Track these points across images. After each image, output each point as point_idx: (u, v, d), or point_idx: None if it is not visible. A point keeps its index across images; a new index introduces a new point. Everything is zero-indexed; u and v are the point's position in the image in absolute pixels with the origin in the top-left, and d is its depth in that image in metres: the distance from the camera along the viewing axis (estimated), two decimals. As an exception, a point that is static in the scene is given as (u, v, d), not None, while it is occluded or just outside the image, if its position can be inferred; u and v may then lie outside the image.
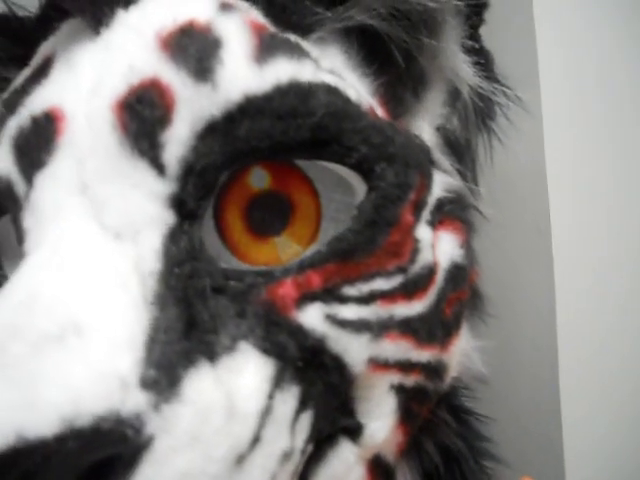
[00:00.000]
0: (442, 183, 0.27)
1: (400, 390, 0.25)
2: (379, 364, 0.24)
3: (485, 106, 0.30)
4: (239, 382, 0.20)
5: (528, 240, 0.98)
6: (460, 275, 0.27)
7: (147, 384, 0.17)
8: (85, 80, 0.23)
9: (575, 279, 0.79)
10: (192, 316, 0.20)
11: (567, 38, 0.89)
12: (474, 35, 0.30)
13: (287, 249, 0.24)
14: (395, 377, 0.25)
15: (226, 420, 0.19)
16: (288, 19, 0.25)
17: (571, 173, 0.82)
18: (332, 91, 0.24)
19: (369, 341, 0.23)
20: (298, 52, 0.24)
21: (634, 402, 0.82)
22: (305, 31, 0.25)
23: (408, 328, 0.24)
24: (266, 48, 0.23)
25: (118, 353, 0.17)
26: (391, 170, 0.23)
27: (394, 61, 0.27)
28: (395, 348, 0.24)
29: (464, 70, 0.29)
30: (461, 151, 0.30)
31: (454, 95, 0.30)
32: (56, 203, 0.22)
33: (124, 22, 0.24)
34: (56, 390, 0.16)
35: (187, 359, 0.19)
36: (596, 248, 0.81)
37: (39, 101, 0.24)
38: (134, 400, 0.17)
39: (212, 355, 0.19)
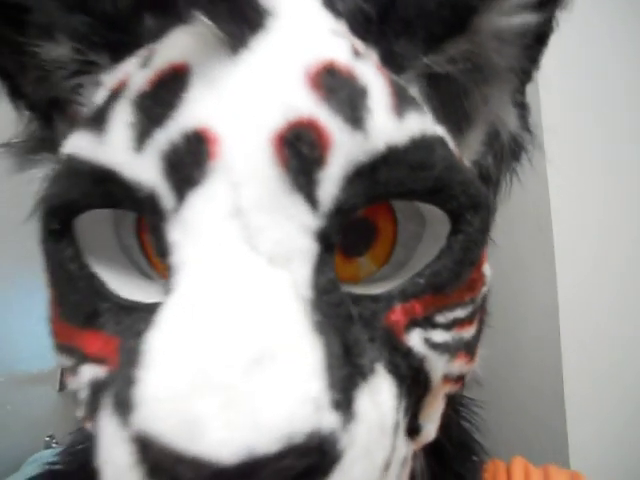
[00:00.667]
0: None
1: (447, 398, 0.29)
2: (448, 379, 0.27)
3: (518, 151, 0.34)
4: (381, 399, 0.23)
5: (530, 237, 1.00)
6: (486, 297, 0.30)
7: (334, 406, 0.20)
8: (232, 104, 0.23)
9: (576, 269, 0.82)
10: (344, 341, 0.22)
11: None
12: (522, 90, 0.33)
13: (365, 268, 0.27)
14: (450, 388, 0.28)
15: (381, 433, 0.22)
16: (397, 62, 0.27)
17: (571, 170, 0.84)
18: (444, 144, 0.26)
19: (447, 361, 0.26)
20: (418, 104, 0.26)
21: (636, 390, 0.84)
22: (399, 71, 0.27)
23: (468, 348, 0.28)
24: (400, 99, 0.25)
25: (310, 378, 0.20)
26: (477, 217, 0.26)
27: (448, 101, 0.30)
28: (460, 365, 0.27)
29: (510, 119, 0.32)
30: (490, 185, 0.34)
31: (493, 136, 0.33)
32: (210, 223, 0.22)
33: (266, 48, 0.24)
34: (275, 412, 0.19)
35: (352, 382, 0.21)
36: (595, 239, 0.84)
37: (187, 118, 0.23)
38: (328, 420, 0.20)
39: (364, 377, 0.22)
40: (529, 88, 0.36)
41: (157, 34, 0.26)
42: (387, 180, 0.24)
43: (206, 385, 0.19)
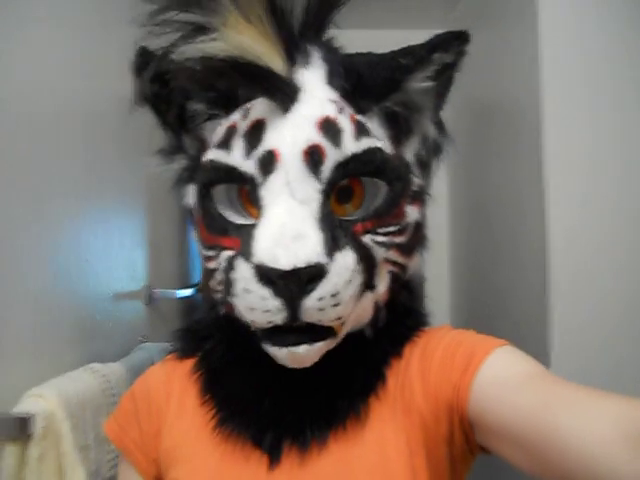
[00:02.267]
0: (415, 182, 0.58)
1: (390, 273, 0.57)
2: (388, 261, 0.56)
3: (438, 148, 0.62)
4: (347, 258, 0.51)
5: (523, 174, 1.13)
6: (418, 227, 0.59)
7: (326, 254, 0.49)
8: (285, 136, 0.52)
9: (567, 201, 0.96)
10: (332, 235, 0.50)
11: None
12: (437, 114, 0.61)
13: (349, 209, 0.55)
14: (390, 267, 0.57)
15: (345, 270, 0.51)
16: (362, 109, 0.56)
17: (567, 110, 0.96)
18: (381, 150, 0.55)
19: (385, 251, 0.55)
20: (366, 130, 0.54)
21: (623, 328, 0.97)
22: (364, 112, 0.56)
23: (399, 247, 0.57)
24: (359, 131, 0.54)
25: (316, 244, 0.49)
26: (399, 183, 0.55)
27: (398, 123, 0.58)
28: (393, 255, 0.56)
29: (430, 131, 0.61)
30: (426, 167, 0.61)
31: (424, 140, 0.61)
32: (277, 187, 0.52)
33: (298, 110, 0.53)
34: (303, 255, 0.48)
35: (334, 249, 0.50)
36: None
37: (268, 143, 0.52)
38: (323, 259, 0.49)
39: (340, 249, 0.51)
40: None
41: (246, 99, 0.55)
42: (352, 168, 0.53)
43: (279, 244, 0.47)
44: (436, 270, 1.75)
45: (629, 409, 0.42)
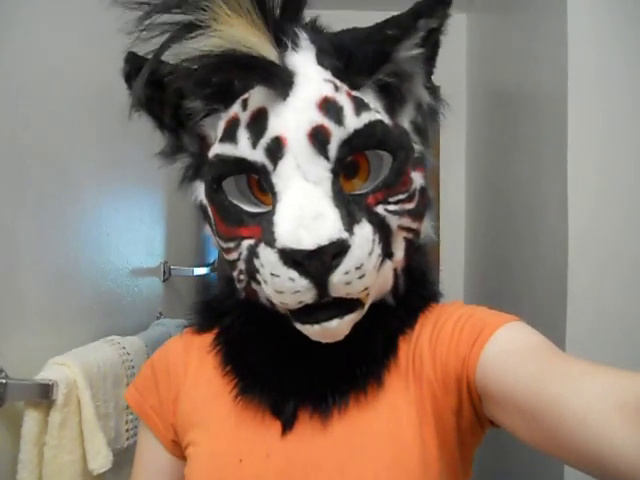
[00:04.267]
0: (415, 149, 0.59)
1: (406, 240, 0.59)
2: (402, 228, 0.57)
3: (434, 113, 0.62)
4: (365, 230, 0.52)
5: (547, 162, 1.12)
6: (424, 192, 0.60)
7: (346, 230, 0.50)
8: (289, 121, 0.52)
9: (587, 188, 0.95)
10: (347, 210, 0.52)
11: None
12: (429, 78, 0.61)
13: (357, 183, 0.55)
14: (405, 234, 0.58)
15: (365, 241, 0.52)
16: (356, 84, 0.56)
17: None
18: (382, 122, 0.55)
19: (398, 218, 0.56)
20: (365, 105, 0.55)
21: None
22: (359, 88, 0.56)
23: (410, 213, 0.57)
24: (358, 106, 0.54)
25: (334, 222, 0.50)
26: (403, 152, 0.56)
27: (391, 93, 0.58)
28: (406, 221, 0.57)
29: (424, 96, 0.60)
30: (423, 132, 0.61)
31: (418, 107, 0.61)
32: (289, 172, 0.52)
33: (297, 93, 0.53)
34: (325, 233, 0.49)
35: (352, 223, 0.52)
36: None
37: (273, 130, 0.53)
38: (344, 235, 0.50)
39: (358, 222, 0.52)
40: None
41: (243, 91, 0.55)
42: (357, 144, 0.54)
43: (300, 225, 0.48)
44: (452, 257, 1.75)
45: (627, 382, 0.43)
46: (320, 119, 0.52)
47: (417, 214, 0.59)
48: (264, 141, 0.53)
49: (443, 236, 1.72)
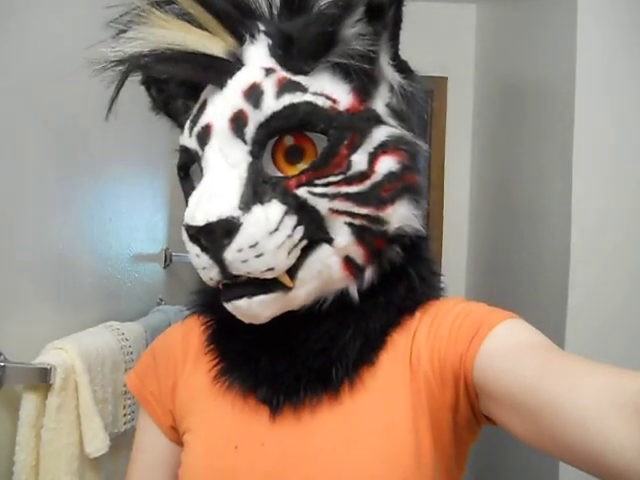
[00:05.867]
0: (386, 132, 0.57)
1: (351, 225, 0.56)
2: (334, 211, 0.54)
3: (410, 93, 0.59)
4: (270, 211, 0.52)
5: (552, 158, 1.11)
6: (393, 176, 0.56)
7: (240, 209, 0.51)
8: (217, 109, 0.55)
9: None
10: (255, 190, 0.53)
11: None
12: (394, 56, 0.58)
13: (301, 168, 0.54)
14: (346, 218, 0.55)
15: (265, 222, 0.52)
16: (300, 70, 0.56)
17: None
18: (309, 103, 0.54)
19: (327, 201, 0.54)
20: (294, 88, 0.54)
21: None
22: (307, 72, 0.56)
23: (349, 197, 0.55)
24: (280, 90, 0.54)
25: (231, 200, 0.51)
26: (335, 132, 0.54)
27: (357, 74, 0.56)
28: (342, 205, 0.54)
29: (394, 77, 0.58)
30: (403, 116, 0.59)
31: (391, 88, 0.59)
32: (212, 156, 0.54)
33: (229, 86, 0.55)
34: (216, 210, 0.50)
35: (252, 203, 0.52)
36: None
37: (205, 118, 0.56)
38: (235, 213, 0.51)
39: (261, 202, 0.52)
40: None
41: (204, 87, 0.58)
42: (274, 125, 0.54)
43: (198, 205, 0.50)
44: (454, 250, 1.75)
45: (626, 381, 0.42)
46: (241, 104, 0.54)
47: (365, 198, 0.55)
48: (196, 129, 0.56)
49: (446, 228, 1.71)
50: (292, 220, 0.53)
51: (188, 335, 0.67)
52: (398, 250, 0.60)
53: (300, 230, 0.53)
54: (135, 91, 1.04)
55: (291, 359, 0.58)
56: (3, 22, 0.72)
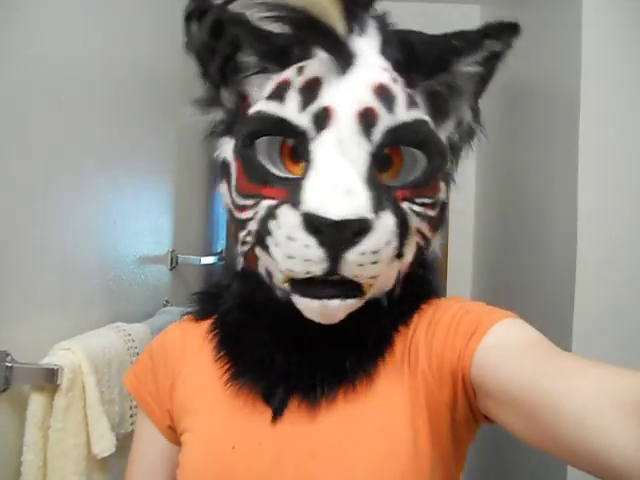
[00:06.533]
0: (447, 164, 0.60)
1: (418, 246, 0.59)
2: (418, 232, 0.57)
3: (471, 134, 0.64)
4: (389, 220, 0.52)
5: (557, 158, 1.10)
6: (444, 207, 0.61)
7: (372, 212, 0.50)
8: (342, 95, 0.53)
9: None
10: (377, 190, 0.52)
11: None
12: (476, 101, 0.62)
13: (385, 178, 0.55)
14: (419, 239, 0.59)
15: (385, 231, 0.52)
16: (412, 82, 0.57)
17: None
18: (427, 123, 0.56)
19: (419, 221, 0.56)
20: (415, 102, 0.56)
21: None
22: (414, 87, 0.57)
23: (430, 221, 0.58)
24: (410, 102, 0.55)
25: (364, 201, 0.50)
26: (439, 158, 0.56)
27: (437, 104, 0.59)
28: (424, 227, 0.58)
29: (467, 116, 0.63)
30: (456, 151, 0.63)
31: (458, 125, 0.63)
32: (329, 144, 0.52)
33: (353, 75, 0.54)
34: (352, 209, 0.49)
35: (379, 208, 0.51)
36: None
37: (324, 100, 0.53)
38: (370, 215, 0.50)
39: (383, 209, 0.52)
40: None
41: (300, 59, 0.56)
42: (401, 135, 0.54)
43: (330, 195, 0.49)
44: (460, 249, 1.74)
45: (625, 380, 0.42)
46: (372, 101, 0.52)
47: (435, 224, 0.59)
48: (313, 108, 0.53)
49: (452, 227, 1.71)
50: (397, 232, 0.53)
51: (186, 335, 0.68)
52: (422, 269, 0.63)
53: (397, 243, 0.54)
54: (142, 94, 1.05)
55: (306, 357, 0.58)
56: (7, 17, 0.73)
